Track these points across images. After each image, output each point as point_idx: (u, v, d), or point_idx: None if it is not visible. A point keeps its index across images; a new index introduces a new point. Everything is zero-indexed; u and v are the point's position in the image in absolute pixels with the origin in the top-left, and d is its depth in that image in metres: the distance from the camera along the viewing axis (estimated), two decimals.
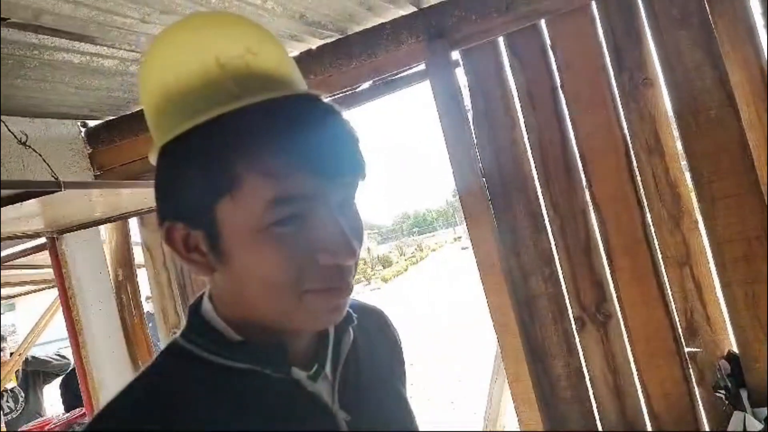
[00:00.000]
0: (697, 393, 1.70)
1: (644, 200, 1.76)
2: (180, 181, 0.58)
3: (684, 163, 1.72)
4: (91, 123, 2.44)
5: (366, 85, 2.06)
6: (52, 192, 1.55)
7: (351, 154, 0.58)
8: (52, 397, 4.47)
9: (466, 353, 7.33)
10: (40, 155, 2.00)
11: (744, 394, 1.55)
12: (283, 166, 0.55)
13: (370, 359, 0.71)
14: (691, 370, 1.70)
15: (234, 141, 0.55)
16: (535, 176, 1.91)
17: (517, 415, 1.87)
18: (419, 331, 9.68)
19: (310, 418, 0.62)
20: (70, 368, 3.84)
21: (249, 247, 0.57)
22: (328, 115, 0.58)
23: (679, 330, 1.71)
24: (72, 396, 3.53)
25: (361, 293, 17.57)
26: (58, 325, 3.30)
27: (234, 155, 0.55)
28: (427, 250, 40.14)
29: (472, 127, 1.94)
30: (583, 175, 1.84)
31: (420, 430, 0.73)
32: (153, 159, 0.61)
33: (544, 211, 1.90)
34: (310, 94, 0.59)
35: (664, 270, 1.72)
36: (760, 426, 1.50)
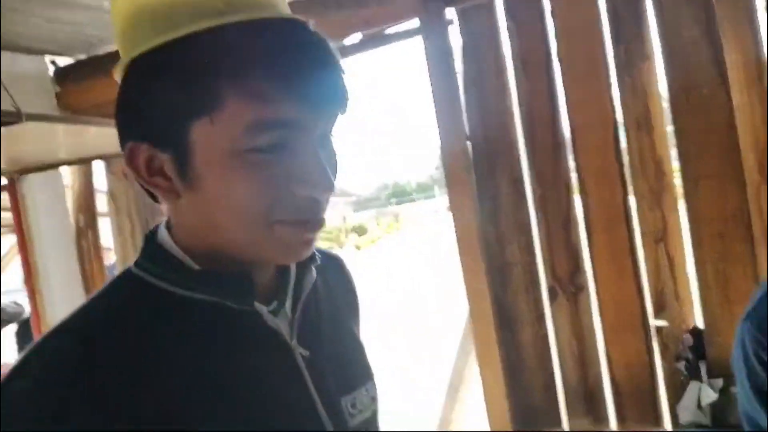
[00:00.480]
0: (658, 364, 1.74)
1: (628, 176, 1.76)
2: (151, 98, 0.54)
3: (671, 141, 1.72)
4: (62, 62, 2.35)
5: (355, 37, 2.00)
6: (12, 123, 1.48)
7: (337, 85, 0.56)
8: (6, 346, 4.40)
9: (435, 320, 7.43)
10: (3, 86, 1.91)
11: (703, 366, 1.59)
12: (268, 89, 0.52)
13: (329, 301, 0.71)
14: (655, 343, 1.73)
15: (219, 58, 0.52)
16: (521, 144, 1.90)
17: (482, 379, 1.89)
18: (388, 300, 9.77)
19: (268, 352, 0.60)
20: (25, 316, 3.77)
21: (222, 172, 0.54)
22: (317, 42, 0.56)
23: (648, 304, 1.74)
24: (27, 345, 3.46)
25: None
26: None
27: (217, 74, 0.52)
28: (405, 221, 40.33)
29: (461, 89, 1.91)
30: (569, 147, 1.83)
31: (373, 373, 0.72)
32: (118, 75, 0.57)
33: (527, 180, 1.90)
34: (299, 20, 0.56)
35: (640, 246, 1.74)
36: (714, 396, 1.55)
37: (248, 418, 0.56)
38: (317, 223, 0.59)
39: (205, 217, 0.57)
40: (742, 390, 0.90)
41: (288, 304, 0.64)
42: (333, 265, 0.77)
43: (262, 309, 0.60)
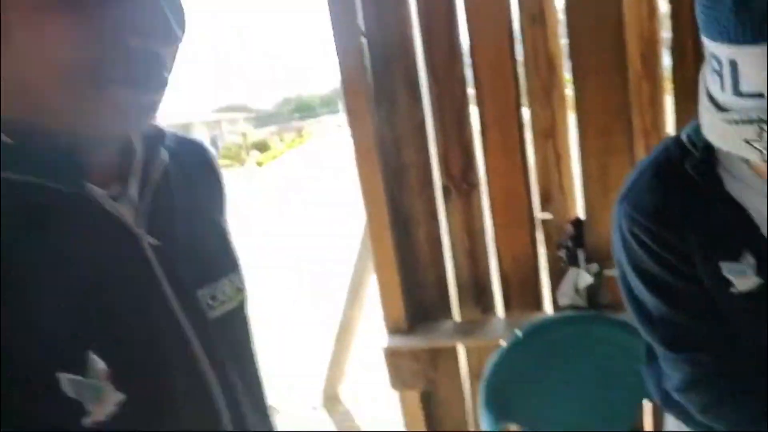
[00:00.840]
0: (542, 255, 1.84)
1: (522, 75, 1.76)
2: None
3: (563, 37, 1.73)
4: None
5: None
6: None
7: None
8: None
9: (338, 227, 7.49)
10: None
11: (581, 254, 1.70)
12: None
13: (187, 189, 0.63)
14: (540, 235, 1.82)
15: None
16: (418, 42, 1.83)
17: (378, 279, 1.92)
18: (289, 212, 9.70)
19: (110, 242, 0.53)
20: None
21: (38, 21, 0.44)
22: None
23: (535, 199, 1.80)
24: None
25: (234, 180, 16.97)
26: None
27: None
28: (309, 136, 39.56)
29: None
30: (466, 43, 1.79)
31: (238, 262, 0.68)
32: None
33: (423, 80, 1.85)
34: None
35: (531, 142, 1.77)
36: (590, 279, 1.67)
37: (92, 311, 0.49)
38: (158, 83, 0.50)
39: (18, 79, 0.46)
40: (619, 270, 0.94)
41: (134, 189, 0.56)
42: (192, 150, 0.69)
43: (98, 192, 0.52)
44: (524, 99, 1.79)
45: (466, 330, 1.93)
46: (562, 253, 1.72)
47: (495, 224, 1.85)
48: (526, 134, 1.78)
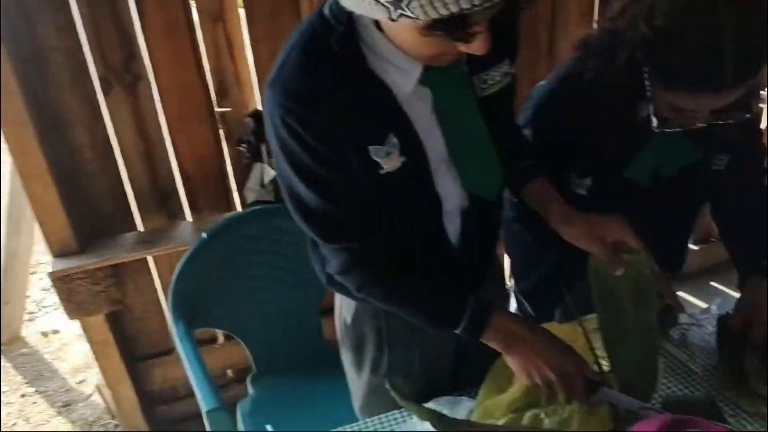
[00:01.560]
0: (225, 150, 1.74)
1: None
2: None
3: None
4: None
5: None
6: None
7: None
8: None
9: None
10: None
11: (264, 147, 1.65)
12: None
13: None
14: (221, 130, 1.71)
15: None
16: None
17: (28, 195, 1.58)
18: None
19: None
20: None
21: None
22: None
23: (211, 90, 1.66)
24: None
25: None
26: None
27: None
28: None
29: None
30: None
31: None
32: None
33: None
34: None
35: (198, 25, 1.59)
36: (273, 173, 1.64)
37: None
38: None
39: None
40: (276, 161, 0.88)
41: None
42: None
43: None
44: None
45: (151, 240, 1.75)
46: (244, 148, 1.64)
47: (169, 121, 1.66)
48: (193, 17, 1.59)
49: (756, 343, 1.05)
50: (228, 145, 1.73)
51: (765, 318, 1.07)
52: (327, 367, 1.47)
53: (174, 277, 1.43)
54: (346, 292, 1.01)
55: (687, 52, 0.86)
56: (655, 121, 0.94)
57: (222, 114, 1.68)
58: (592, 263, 0.91)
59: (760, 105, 1.02)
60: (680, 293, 2.42)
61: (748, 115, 0.92)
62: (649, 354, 0.95)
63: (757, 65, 0.86)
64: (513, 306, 1.42)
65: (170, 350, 1.92)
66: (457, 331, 0.91)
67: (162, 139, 1.69)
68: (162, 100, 1.63)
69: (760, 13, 0.85)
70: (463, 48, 0.73)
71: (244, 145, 1.64)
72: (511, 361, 0.91)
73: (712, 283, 2.50)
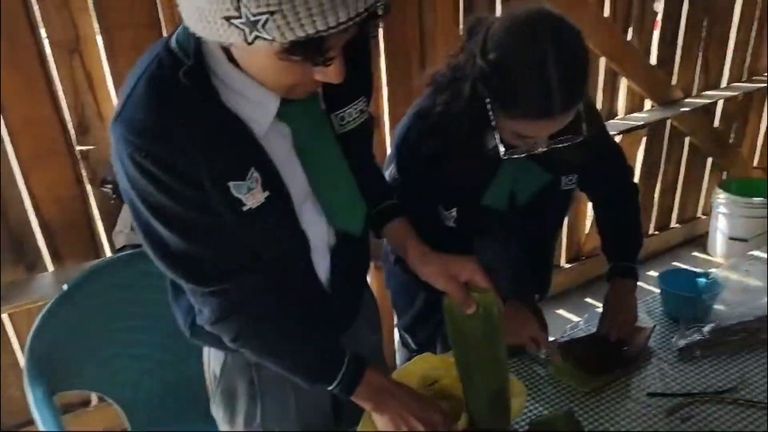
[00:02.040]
0: (90, 192, 1.60)
1: None
2: None
3: None
4: None
5: None
6: None
7: None
8: None
9: None
10: None
11: None
12: None
13: None
14: (83, 170, 1.56)
15: None
16: None
17: None
18: None
19: None
20: None
21: None
22: None
23: (71, 127, 1.52)
24: None
25: None
26: None
27: None
28: None
29: None
30: None
31: None
32: None
33: None
34: None
35: (51, 58, 1.45)
36: None
37: None
38: None
39: None
40: (130, 204, 0.80)
41: None
42: None
43: None
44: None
45: (6, 296, 1.56)
46: (109, 189, 1.51)
47: (21, 163, 1.49)
48: (46, 49, 1.45)
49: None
50: (92, 187, 1.59)
51: (618, 314, 1.21)
52: (212, 422, 1.37)
53: (30, 335, 1.27)
54: (214, 341, 0.94)
55: (519, 83, 0.91)
56: (502, 149, 0.99)
57: (84, 153, 1.54)
58: (445, 303, 0.92)
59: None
60: (558, 311, 2.56)
61: (580, 138, 0.99)
62: (500, 391, 0.95)
63: (579, 91, 0.94)
64: (396, 338, 1.41)
65: None
66: (330, 388, 0.89)
67: (15, 182, 1.52)
68: (12, 140, 1.47)
69: (579, 45, 0.93)
70: (319, 76, 0.72)
71: (108, 186, 1.51)
72: (380, 419, 0.90)
73: (587, 299, 2.67)
